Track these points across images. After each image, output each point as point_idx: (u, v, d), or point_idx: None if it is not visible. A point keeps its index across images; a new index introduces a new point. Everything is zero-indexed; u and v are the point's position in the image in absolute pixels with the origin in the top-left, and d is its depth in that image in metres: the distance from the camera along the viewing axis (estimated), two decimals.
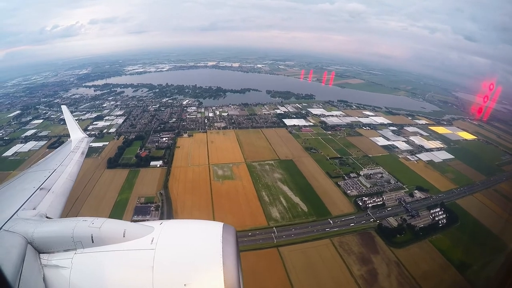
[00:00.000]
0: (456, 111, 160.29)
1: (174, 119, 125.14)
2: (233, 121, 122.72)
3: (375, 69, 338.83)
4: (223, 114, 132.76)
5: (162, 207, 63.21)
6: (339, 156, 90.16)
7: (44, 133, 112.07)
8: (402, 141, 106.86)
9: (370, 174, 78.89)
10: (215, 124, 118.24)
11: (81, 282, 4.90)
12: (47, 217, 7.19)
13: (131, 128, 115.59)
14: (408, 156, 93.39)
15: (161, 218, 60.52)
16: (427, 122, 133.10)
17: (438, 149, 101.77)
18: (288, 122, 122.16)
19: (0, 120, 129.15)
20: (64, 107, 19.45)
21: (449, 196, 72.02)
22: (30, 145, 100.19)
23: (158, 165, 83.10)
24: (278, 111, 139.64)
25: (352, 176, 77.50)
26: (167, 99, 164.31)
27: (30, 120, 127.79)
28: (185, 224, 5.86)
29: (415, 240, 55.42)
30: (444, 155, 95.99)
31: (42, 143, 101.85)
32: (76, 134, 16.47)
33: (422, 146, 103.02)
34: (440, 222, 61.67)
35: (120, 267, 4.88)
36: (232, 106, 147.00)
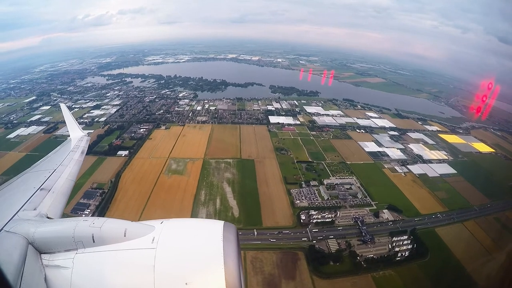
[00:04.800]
0: (479, 119, 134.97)
1: (161, 111, 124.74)
2: (216, 115, 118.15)
3: (404, 69, 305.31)
4: (211, 108, 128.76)
5: (107, 193, 65.05)
6: (310, 160, 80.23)
7: (46, 119, 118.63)
8: (398, 149, 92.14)
9: (335, 184, 68.33)
10: (197, 118, 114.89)
11: (82, 282, 4.81)
12: (48, 217, 7.22)
13: (119, 118, 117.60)
14: (396, 167, 79.66)
15: (100, 203, 61.97)
16: (439, 129, 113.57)
17: (440, 161, 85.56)
18: (273, 119, 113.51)
19: (16, 105, 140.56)
20: (63, 106, 18.61)
21: (429, 221, 59.00)
22: (31, 129, 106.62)
23: (123, 155, 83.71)
24: (270, 107, 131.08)
25: (312, 184, 67.83)
26: (166, 90, 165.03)
27: (40, 106, 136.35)
28: (185, 223, 5.64)
29: (353, 272, 45.28)
30: (444, 169, 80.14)
31: (40, 128, 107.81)
32: (75, 132, 16.20)
33: (420, 156, 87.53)
34: (399, 254, 49.98)
35: (121, 267, 4.77)
36: (225, 100, 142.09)
